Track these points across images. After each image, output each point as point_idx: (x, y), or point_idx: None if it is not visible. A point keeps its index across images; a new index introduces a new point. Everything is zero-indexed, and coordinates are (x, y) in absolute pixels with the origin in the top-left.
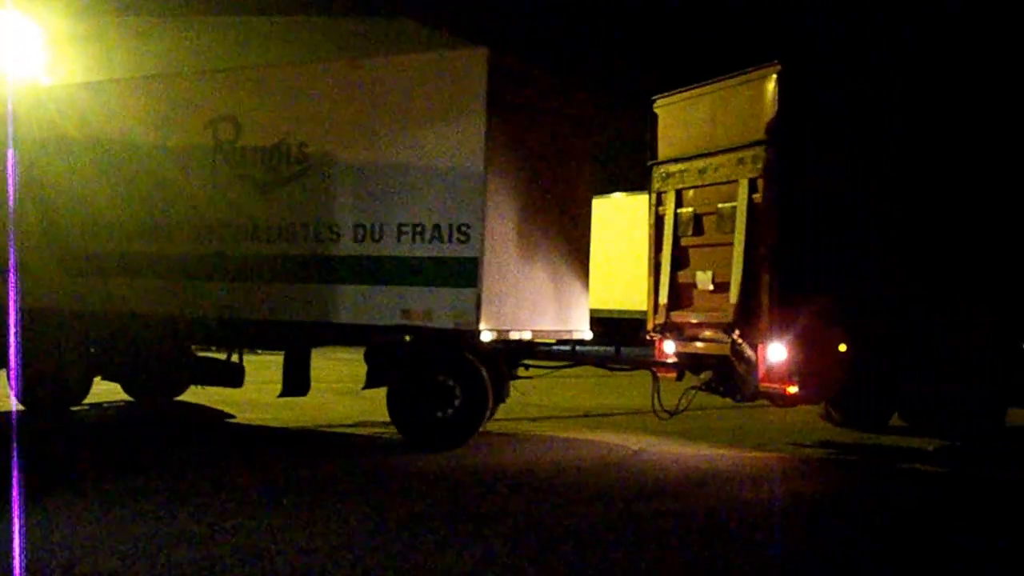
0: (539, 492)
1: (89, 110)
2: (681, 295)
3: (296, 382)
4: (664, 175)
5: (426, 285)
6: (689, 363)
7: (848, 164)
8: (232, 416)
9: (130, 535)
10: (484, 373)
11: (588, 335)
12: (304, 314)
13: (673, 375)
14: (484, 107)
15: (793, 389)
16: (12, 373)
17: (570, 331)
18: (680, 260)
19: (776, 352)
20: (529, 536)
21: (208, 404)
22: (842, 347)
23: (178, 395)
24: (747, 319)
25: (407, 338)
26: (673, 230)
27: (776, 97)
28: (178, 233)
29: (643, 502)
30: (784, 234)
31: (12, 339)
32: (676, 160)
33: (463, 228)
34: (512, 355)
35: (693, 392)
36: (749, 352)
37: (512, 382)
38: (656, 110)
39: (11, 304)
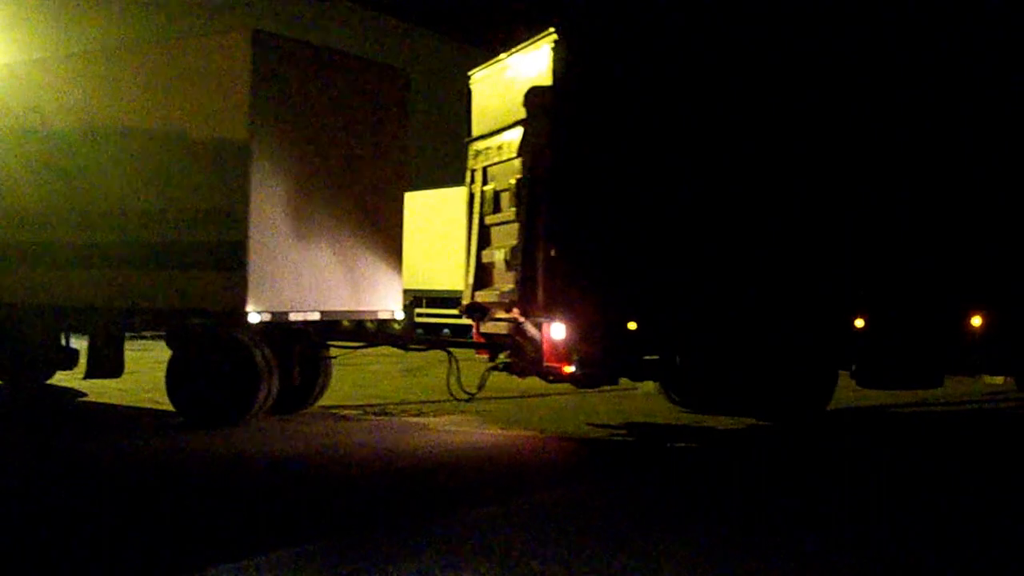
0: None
1: None
2: (484, 274)
3: (106, 364)
4: (475, 153)
5: (200, 269)
6: (491, 343)
7: (631, 137)
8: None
9: None
10: (258, 354)
11: (400, 315)
12: (109, 300)
13: (487, 355)
14: (248, 93)
15: (570, 369)
16: None
17: (375, 311)
18: (484, 239)
19: (557, 331)
20: None
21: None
22: (631, 325)
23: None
24: (528, 297)
25: (195, 321)
26: (480, 208)
27: (552, 68)
28: (30, 222)
29: None
30: (558, 210)
31: None
32: (482, 137)
33: (230, 212)
34: (321, 336)
35: (489, 373)
36: (532, 331)
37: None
38: (471, 85)
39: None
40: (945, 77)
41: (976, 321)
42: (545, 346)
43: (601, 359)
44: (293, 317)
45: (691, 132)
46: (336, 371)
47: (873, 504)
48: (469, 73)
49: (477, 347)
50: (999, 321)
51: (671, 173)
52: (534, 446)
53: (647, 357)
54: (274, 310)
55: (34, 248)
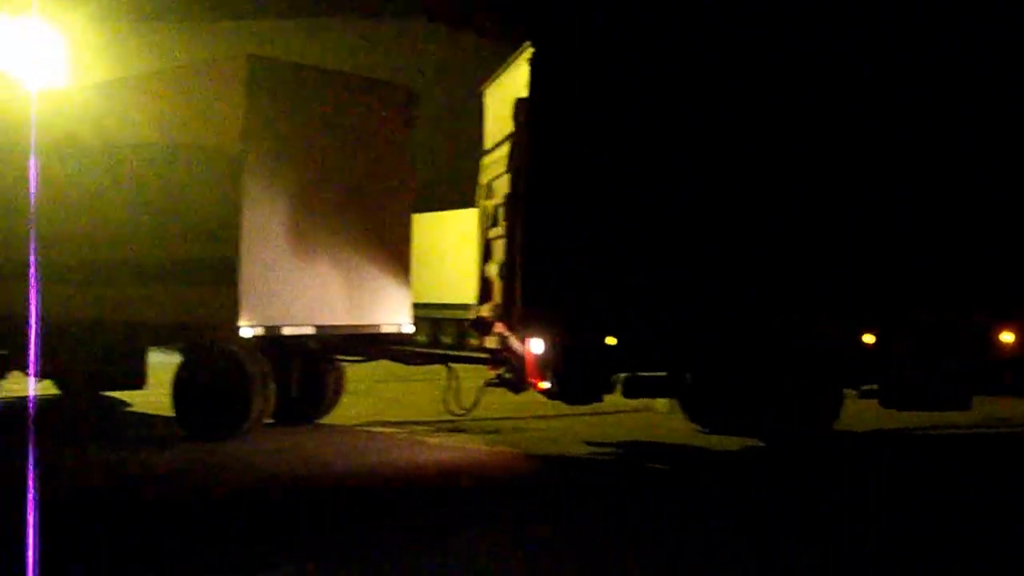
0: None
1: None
2: (487, 288)
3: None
4: (483, 167)
5: (196, 285)
6: (494, 358)
7: (607, 147)
8: None
9: None
10: (252, 368)
11: (408, 328)
12: (127, 314)
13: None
14: (242, 114)
15: (545, 385)
16: (32, 371)
17: (377, 325)
18: (487, 253)
19: (535, 345)
20: None
21: None
22: (610, 340)
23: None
24: (510, 311)
25: (202, 337)
26: (484, 223)
27: (528, 82)
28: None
29: None
30: (532, 222)
31: (32, 341)
32: (488, 151)
33: (223, 229)
34: (326, 351)
35: (484, 388)
36: (516, 345)
37: None
38: (484, 98)
39: (31, 309)
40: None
41: (1007, 337)
42: (526, 361)
43: (576, 375)
44: (287, 331)
45: (669, 141)
46: (385, 386)
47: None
48: (481, 87)
49: (476, 362)
50: None
51: (651, 184)
52: (507, 464)
53: (654, 374)
54: (267, 324)
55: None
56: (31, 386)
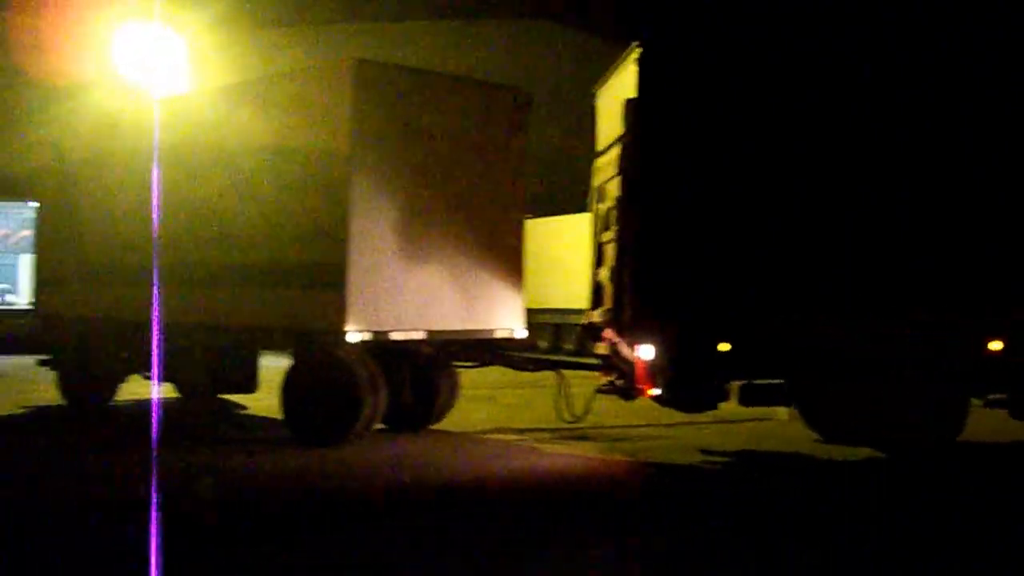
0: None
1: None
2: (598, 294)
3: (236, 380)
4: (596, 170)
5: (305, 289)
6: (607, 364)
7: (720, 152)
8: None
9: None
10: (361, 373)
11: (522, 333)
12: (239, 318)
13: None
14: (350, 117)
15: (655, 392)
16: (157, 377)
17: (490, 330)
18: (599, 258)
19: (644, 351)
20: None
21: None
22: (723, 347)
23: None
24: (619, 316)
25: (310, 342)
26: (596, 227)
27: (636, 83)
28: (191, 243)
29: None
30: (642, 225)
31: (155, 347)
32: (600, 154)
33: (331, 234)
34: (439, 356)
35: (595, 395)
36: (626, 351)
37: None
38: (596, 100)
39: (154, 314)
40: None
41: None
42: (636, 367)
43: (687, 382)
44: (395, 336)
45: (781, 140)
46: (508, 392)
47: None
48: (594, 88)
49: (587, 368)
50: None
51: (766, 186)
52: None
53: (771, 381)
54: (375, 329)
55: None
56: (154, 390)
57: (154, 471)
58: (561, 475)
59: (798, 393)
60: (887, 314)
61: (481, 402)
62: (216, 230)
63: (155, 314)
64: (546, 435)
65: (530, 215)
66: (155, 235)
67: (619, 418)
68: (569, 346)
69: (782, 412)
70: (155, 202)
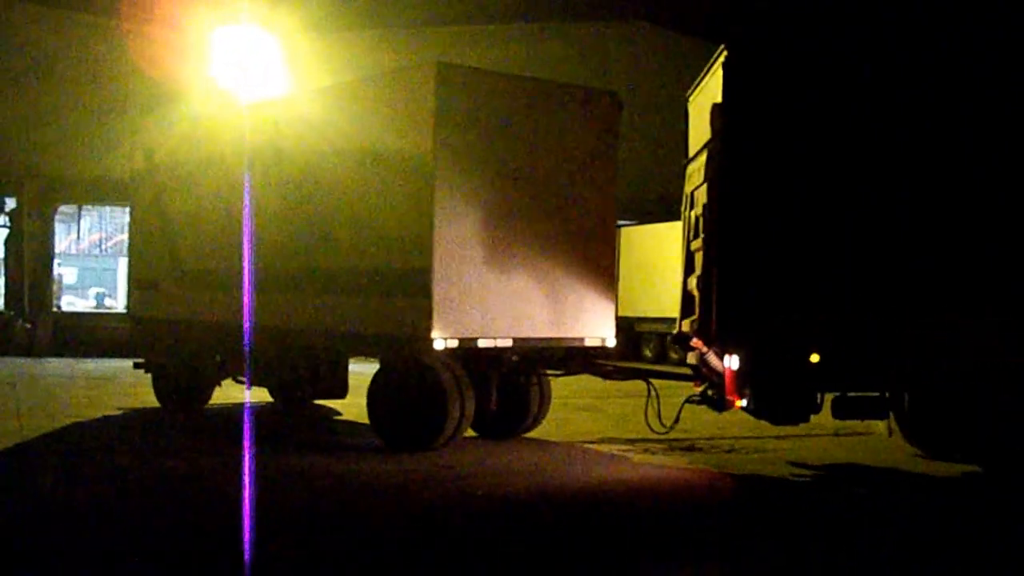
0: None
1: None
2: (688, 302)
3: (328, 386)
4: (687, 176)
5: (391, 296)
6: (697, 374)
7: (810, 157)
8: None
9: None
10: (448, 380)
11: (611, 342)
12: (327, 324)
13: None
14: (433, 123)
15: (742, 403)
16: (248, 381)
17: (581, 338)
18: (689, 266)
19: (732, 361)
20: None
21: None
22: (814, 358)
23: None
24: (707, 325)
25: (397, 349)
26: (686, 234)
27: (723, 87)
28: (282, 248)
29: None
30: (728, 233)
31: (247, 350)
32: (691, 160)
33: (416, 240)
34: (527, 364)
35: (684, 405)
36: (715, 361)
37: None
38: (688, 104)
39: (245, 319)
40: None
41: None
42: (725, 377)
43: (777, 394)
44: (483, 344)
45: (875, 145)
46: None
47: None
48: (687, 93)
49: (676, 378)
50: None
51: (857, 191)
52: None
53: (865, 394)
54: (461, 336)
55: (276, 273)
56: (247, 394)
57: (248, 473)
58: (637, 487)
59: (895, 406)
60: (987, 324)
61: (582, 411)
62: (306, 234)
63: (247, 318)
64: (643, 444)
65: (634, 222)
66: (247, 239)
67: (721, 429)
68: (675, 355)
69: (881, 425)
70: (246, 206)
